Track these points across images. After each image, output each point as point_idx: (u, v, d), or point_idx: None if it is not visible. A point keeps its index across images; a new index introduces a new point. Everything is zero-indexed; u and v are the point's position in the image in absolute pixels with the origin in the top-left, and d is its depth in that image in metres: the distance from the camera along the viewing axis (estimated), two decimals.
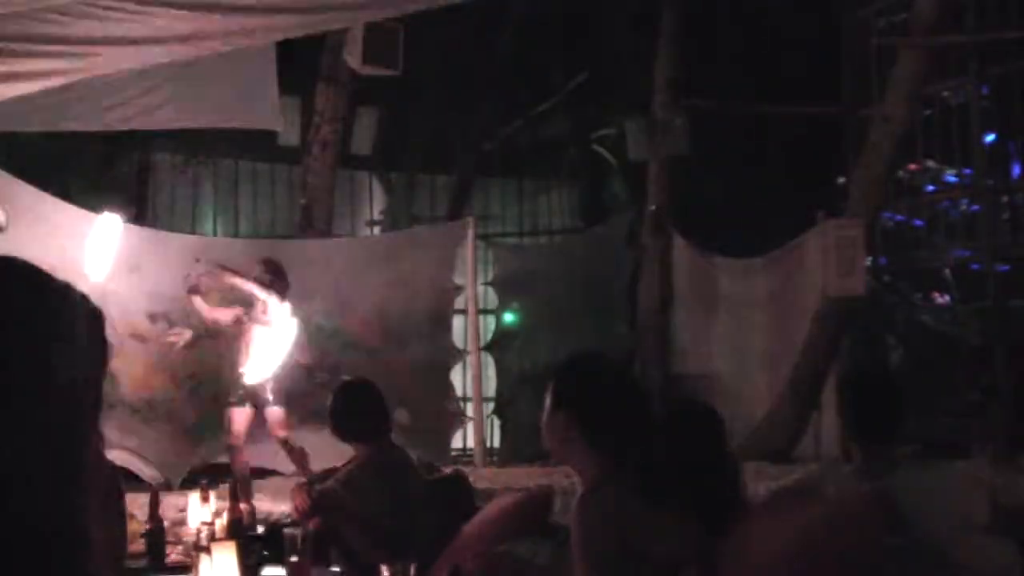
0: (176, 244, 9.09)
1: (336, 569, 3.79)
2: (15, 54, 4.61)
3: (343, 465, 4.49)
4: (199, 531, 3.98)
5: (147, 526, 4.08)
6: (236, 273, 7.38)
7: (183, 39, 4.95)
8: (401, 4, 5.94)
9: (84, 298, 1.14)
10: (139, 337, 8.45)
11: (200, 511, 4.31)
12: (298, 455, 7.26)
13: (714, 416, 3.43)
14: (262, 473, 7.90)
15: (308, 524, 3.96)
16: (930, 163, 11.06)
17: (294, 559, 3.43)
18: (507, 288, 11.14)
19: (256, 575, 3.52)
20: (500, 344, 10.96)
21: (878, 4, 11.17)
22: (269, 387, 7.27)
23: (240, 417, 7.28)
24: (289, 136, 9.87)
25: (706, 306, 10.81)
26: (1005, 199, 10.63)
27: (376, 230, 12.09)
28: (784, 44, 11.08)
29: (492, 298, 11.20)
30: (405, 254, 9.80)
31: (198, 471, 8.10)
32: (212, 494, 4.45)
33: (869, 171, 9.67)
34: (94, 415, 1.13)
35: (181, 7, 4.50)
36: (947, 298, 11.36)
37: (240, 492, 4.44)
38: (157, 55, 5.35)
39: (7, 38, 4.43)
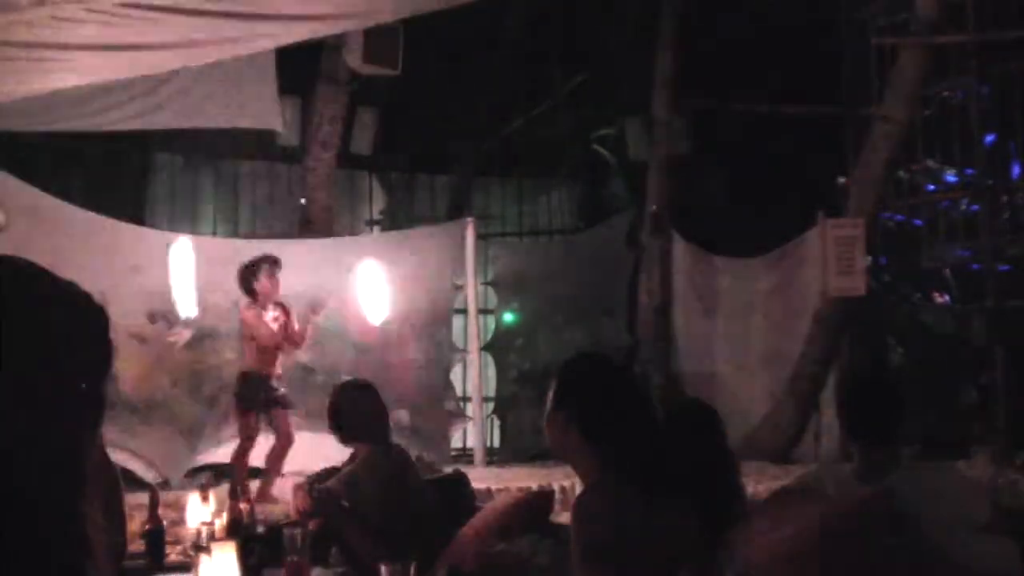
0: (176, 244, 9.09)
1: (336, 569, 3.79)
2: (17, 59, 4.61)
3: (343, 465, 4.50)
4: (199, 531, 3.97)
5: (147, 526, 4.08)
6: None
7: (187, 45, 4.96)
8: (405, 8, 5.95)
9: (87, 297, 1.13)
10: (139, 337, 8.45)
11: (200, 511, 4.30)
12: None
13: (714, 416, 3.43)
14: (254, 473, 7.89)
15: (308, 524, 3.96)
16: (930, 163, 11.06)
17: (294, 559, 3.43)
18: (507, 288, 11.13)
19: (256, 575, 3.52)
20: (500, 344, 10.96)
21: (878, 4, 11.17)
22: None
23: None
24: (289, 136, 9.88)
25: (706, 306, 10.81)
26: (1005, 199, 10.63)
27: (376, 230, 12.08)
28: (784, 44, 11.07)
29: (492, 298, 11.19)
30: (405, 254, 9.80)
31: (198, 471, 8.11)
32: (212, 494, 4.45)
33: (869, 171, 9.67)
34: (98, 415, 1.12)
35: (184, 13, 4.50)
36: (947, 298, 11.35)
37: (243, 489, 4.44)
38: (161, 62, 5.36)
39: (9, 43, 4.44)
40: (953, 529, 2.83)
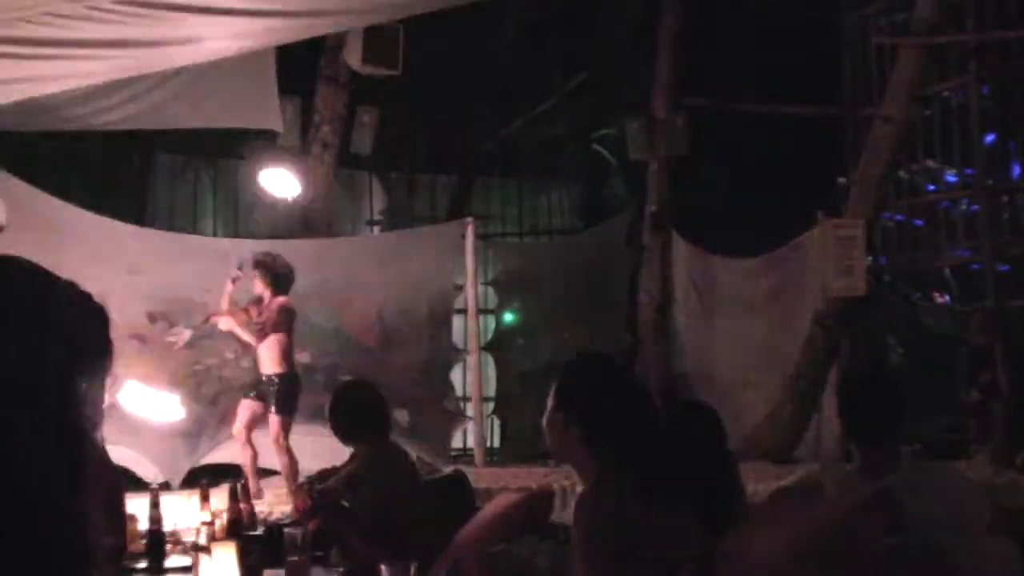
0: (176, 244, 9.10)
1: (336, 569, 3.79)
2: (17, 57, 4.61)
3: (343, 465, 4.50)
4: (199, 531, 3.97)
5: (147, 526, 4.08)
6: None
7: (187, 43, 4.95)
8: (407, 7, 5.94)
9: (87, 297, 1.13)
10: (139, 337, 8.45)
11: (200, 511, 4.30)
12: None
13: (714, 416, 3.44)
14: (262, 473, 7.89)
15: (308, 524, 3.96)
16: (930, 163, 11.06)
17: (294, 559, 3.43)
18: (507, 288, 11.13)
19: (256, 575, 3.52)
20: (500, 344, 10.96)
21: (878, 4, 11.17)
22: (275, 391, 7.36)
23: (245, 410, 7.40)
24: (289, 136, 9.87)
25: (706, 306, 10.81)
26: (1005, 199, 10.63)
27: (376, 230, 12.08)
28: (784, 44, 11.07)
29: (492, 298, 11.20)
30: (405, 254, 9.81)
31: (198, 471, 8.10)
32: (212, 494, 4.45)
33: (869, 171, 9.67)
34: (98, 416, 1.12)
35: (184, 11, 4.50)
36: (947, 298, 11.35)
37: (243, 489, 4.43)
38: (162, 60, 5.35)
39: (10, 41, 4.43)
40: (953, 529, 2.83)
